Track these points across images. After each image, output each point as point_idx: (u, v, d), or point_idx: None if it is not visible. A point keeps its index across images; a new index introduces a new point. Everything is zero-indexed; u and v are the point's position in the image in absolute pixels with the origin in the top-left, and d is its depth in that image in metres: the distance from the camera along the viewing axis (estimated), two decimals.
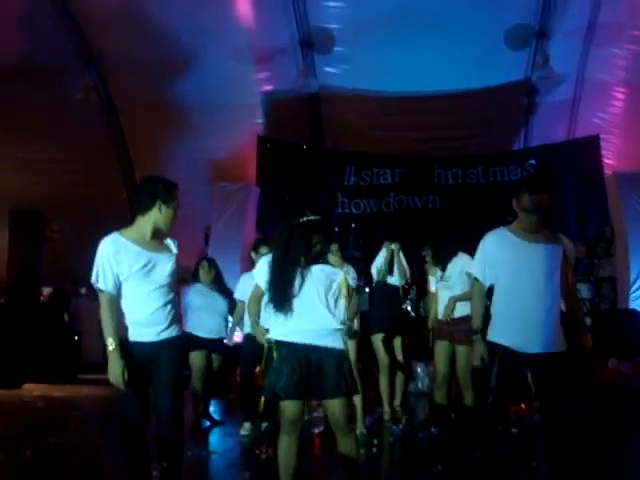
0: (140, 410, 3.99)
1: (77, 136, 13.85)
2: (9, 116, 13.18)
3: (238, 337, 7.76)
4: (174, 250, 4.19)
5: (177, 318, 4.15)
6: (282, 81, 13.33)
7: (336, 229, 12.43)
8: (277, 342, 3.98)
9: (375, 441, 6.20)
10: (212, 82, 12.74)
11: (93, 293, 13.69)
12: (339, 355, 3.95)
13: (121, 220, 15.37)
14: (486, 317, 4.17)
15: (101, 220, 14.10)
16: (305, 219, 3.97)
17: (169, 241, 4.25)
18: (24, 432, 7.02)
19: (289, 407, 3.91)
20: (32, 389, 10.90)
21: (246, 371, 6.98)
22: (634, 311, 11.69)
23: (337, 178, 13.55)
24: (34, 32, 12.29)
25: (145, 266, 4.02)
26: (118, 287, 4.03)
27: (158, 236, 4.16)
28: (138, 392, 3.97)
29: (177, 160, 13.70)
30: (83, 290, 14.00)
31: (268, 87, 13.53)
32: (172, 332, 4.07)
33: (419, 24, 12.21)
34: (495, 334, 4.00)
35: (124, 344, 3.94)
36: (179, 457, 4.06)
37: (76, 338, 13.30)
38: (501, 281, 4.00)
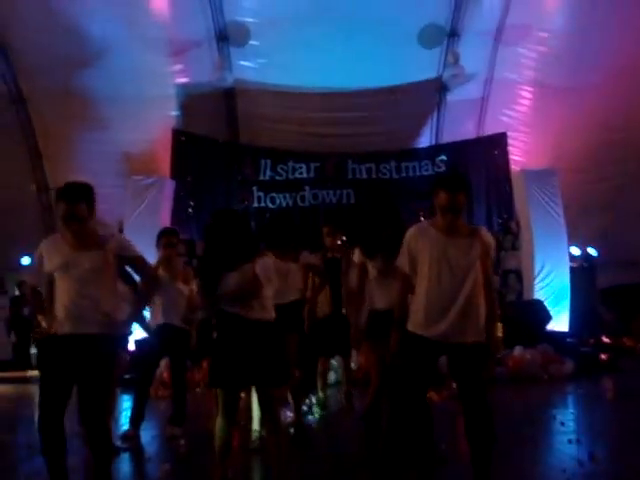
0: (56, 402, 4.00)
1: None
2: None
3: None
4: (107, 246, 4.18)
5: (106, 314, 4.13)
6: (197, 74, 13.26)
7: (252, 223, 12.44)
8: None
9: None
10: (126, 74, 12.52)
11: (1, 288, 13.36)
12: None
13: (30, 212, 15.05)
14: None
15: (11, 214, 13.77)
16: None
17: (105, 236, 4.26)
18: None
19: None
20: None
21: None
22: (538, 301, 12.15)
23: (253, 172, 13.58)
24: None
25: (64, 263, 4.09)
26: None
27: (86, 233, 4.14)
28: (57, 383, 4.01)
29: (89, 152, 13.43)
30: None
31: (183, 79, 13.40)
32: (93, 329, 4.06)
33: (334, 20, 12.35)
34: (415, 325, 4.12)
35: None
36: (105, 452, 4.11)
37: None
38: (422, 273, 4.13)
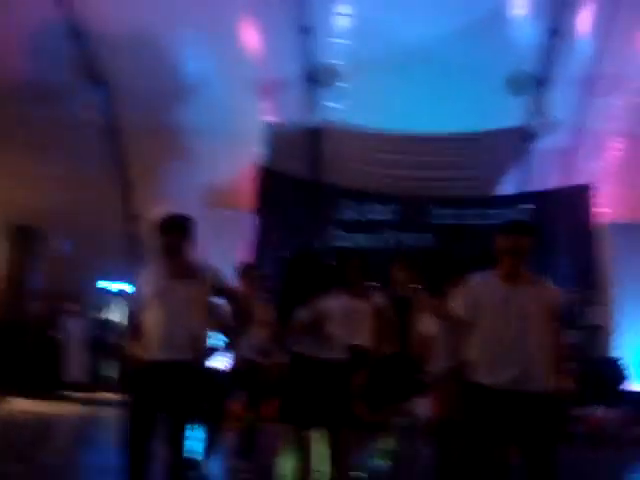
0: (144, 427, 4.08)
1: (80, 155, 13.92)
2: (10, 131, 13.28)
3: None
4: (203, 276, 4.28)
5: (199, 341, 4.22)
6: (285, 113, 13.52)
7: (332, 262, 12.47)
8: None
9: None
10: (216, 109, 12.87)
11: (82, 310, 13.75)
12: None
13: (118, 240, 15.46)
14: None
15: (99, 239, 14.22)
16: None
17: (202, 267, 4.37)
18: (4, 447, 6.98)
19: None
20: (13, 403, 10.83)
21: None
22: (616, 359, 11.77)
23: (334, 212, 13.67)
24: (42, 49, 12.42)
25: (159, 291, 4.20)
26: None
27: (182, 263, 4.26)
28: (146, 409, 4.09)
29: (176, 184, 13.78)
30: (76, 307, 13.96)
31: (271, 118, 13.69)
32: (187, 355, 4.14)
33: (422, 64, 12.42)
34: (476, 374, 4.02)
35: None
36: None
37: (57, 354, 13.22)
38: (484, 321, 4.06)
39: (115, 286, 14.55)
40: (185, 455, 4.30)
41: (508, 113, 13.40)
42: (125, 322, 14.02)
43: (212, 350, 4.50)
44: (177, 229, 4.22)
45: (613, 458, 8.54)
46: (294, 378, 4.22)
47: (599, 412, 10.05)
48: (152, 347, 4.17)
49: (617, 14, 11.82)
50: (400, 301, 6.41)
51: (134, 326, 4.43)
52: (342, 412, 4.17)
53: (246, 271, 6.49)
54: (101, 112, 13.54)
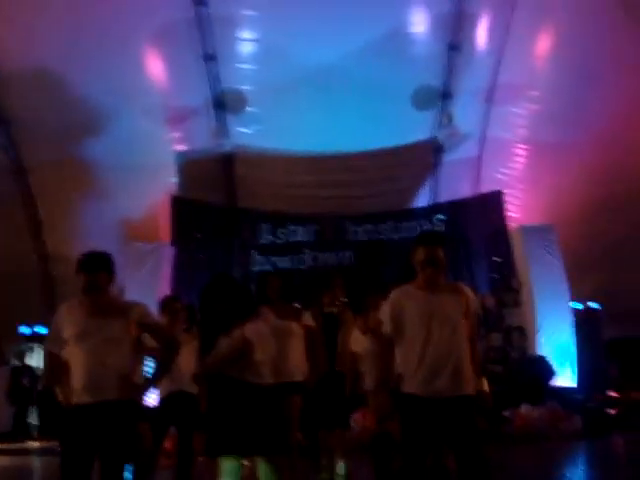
0: (80, 474, 3.95)
1: None
2: None
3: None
4: (129, 314, 4.18)
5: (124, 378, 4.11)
6: (196, 141, 13.47)
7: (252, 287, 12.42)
8: None
9: None
10: (125, 142, 12.72)
11: (1, 358, 13.26)
12: None
13: (30, 281, 14.99)
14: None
15: (10, 284, 13.74)
16: None
17: (127, 304, 4.31)
18: None
19: None
20: None
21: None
22: (542, 357, 12.05)
23: (252, 236, 13.65)
24: None
25: (82, 331, 4.09)
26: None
27: (105, 301, 4.17)
28: (79, 457, 3.98)
29: (88, 220, 13.51)
30: None
31: (182, 147, 13.60)
32: (112, 395, 4.03)
33: (329, 85, 12.60)
34: (409, 385, 4.09)
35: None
36: None
37: None
38: (410, 333, 4.14)
39: (35, 330, 14.10)
40: None
41: (416, 127, 13.73)
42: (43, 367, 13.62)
43: (142, 387, 4.39)
44: (99, 267, 4.13)
45: (543, 454, 8.75)
46: (223, 405, 4.16)
47: (526, 410, 10.27)
48: (78, 389, 4.04)
49: (512, 26, 12.29)
50: (328, 318, 6.41)
51: (54, 369, 4.31)
52: (275, 438, 4.12)
53: (168, 304, 6.40)
54: (6, 152, 13.15)
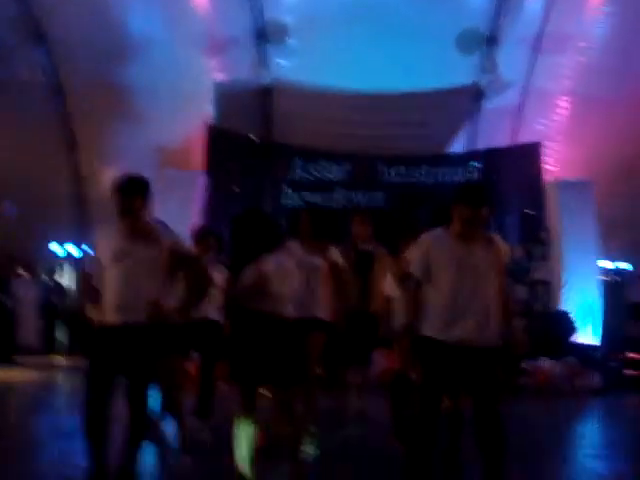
0: (102, 390, 4.09)
1: (23, 116, 13.57)
2: None
3: None
4: (161, 241, 4.23)
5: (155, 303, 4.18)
6: (235, 71, 13.36)
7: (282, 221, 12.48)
8: None
9: None
10: (164, 68, 12.64)
11: (33, 275, 13.56)
12: None
13: (65, 203, 15.22)
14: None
15: (45, 202, 13.95)
16: None
17: (160, 230, 4.34)
18: None
19: None
20: None
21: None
22: (564, 312, 12.04)
23: (285, 170, 13.63)
24: None
25: (116, 254, 4.16)
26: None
27: (140, 225, 4.22)
28: (104, 372, 4.10)
29: (124, 144, 13.55)
30: (22, 271, 13.73)
31: (220, 76, 13.50)
32: (142, 318, 4.12)
33: (373, 22, 12.36)
34: (430, 328, 4.13)
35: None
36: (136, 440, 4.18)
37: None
38: (439, 279, 4.15)
39: (66, 249, 14.36)
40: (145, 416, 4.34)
41: (458, 71, 13.47)
42: (75, 285, 13.90)
43: (172, 314, 4.49)
44: (136, 190, 4.18)
45: (559, 409, 8.83)
46: (244, 335, 4.24)
47: (546, 364, 10.32)
48: (109, 309, 4.15)
49: None
50: (361, 256, 6.33)
51: (90, 289, 4.39)
52: (293, 370, 4.21)
53: (202, 237, 6.44)
54: (45, 72, 13.16)
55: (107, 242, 4.22)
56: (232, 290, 4.30)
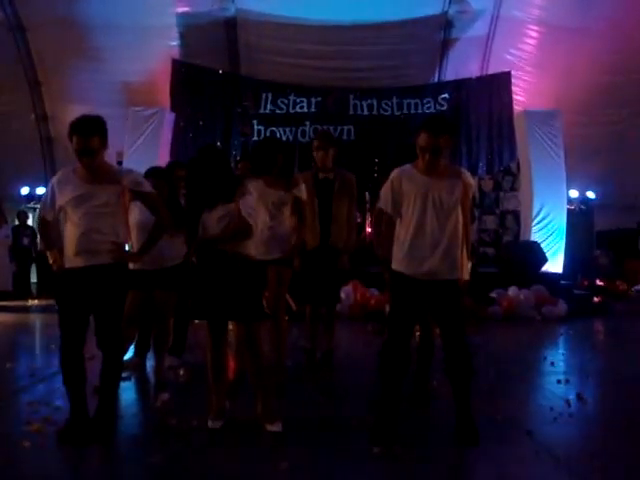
0: (76, 332, 4.14)
1: None
2: None
3: None
4: (121, 181, 4.21)
5: (117, 244, 4.23)
6: (199, 3, 13.03)
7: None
8: None
9: None
10: (125, 2, 12.33)
11: (2, 218, 13.39)
12: None
13: (30, 143, 15.00)
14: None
15: (9, 143, 13.71)
16: None
17: (120, 171, 4.36)
18: None
19: None
20: None
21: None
22: (535, 243, 12.21)
23: (253, 105, 13.47)
24: None
25: (76, 197, 4.13)
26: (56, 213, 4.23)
27: (100, 168, 4.19)
28: (74, 317, 4.14)
29: (88, 82, 13.29)
30: None
31: (184, 9, 13.18)
32: (106, 259, 4.15)
33: None
34: (399, 264, 4.22)
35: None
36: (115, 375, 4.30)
37: None
38: (406, 214, 4.21)
39: (35, 191, 14.17)
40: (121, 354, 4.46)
41: (427, 1, 13.28)
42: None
43: (134, 254, 4.51)
44: (92, 130, 4.09)
45: (526, 336, 9.05)
46: (203, 271, 4.30)
47: (512, 292, 10.52)
48: (70, 253, 4.16)
49: None
50: (323, 183, 6.15)
51: (49, 234, 4.39)
52: (250, 306, 4.29)
53: (169, 170, 6.32)
54: (4, 10, 12.74)
55: (65, 187, 4.16)
56: (204, 234, 4.29)
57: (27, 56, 13.70)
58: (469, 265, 4.52)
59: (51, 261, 4.32)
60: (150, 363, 5.95)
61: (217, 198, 4.27)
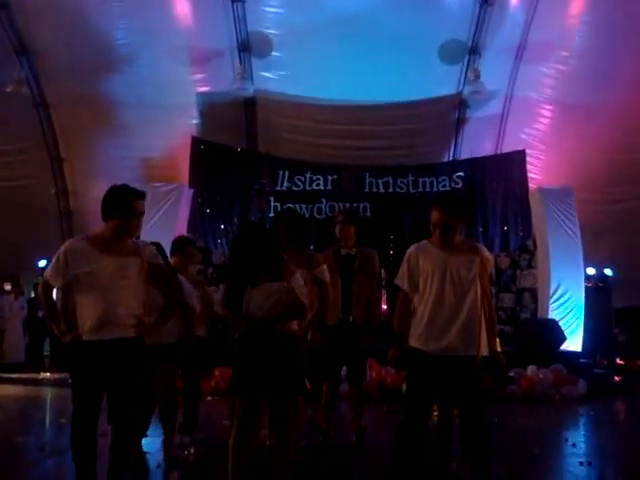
0: (92, 408, 4.05)
1: (7, 130, 13.55)
2: None
3: None
4: (141, 254, 4.20)
5: (137, 317, 4.17)
6: (218, 83, 13.36)
7: None
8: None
9: None
10: (147, 81, 12.69)
11: (18, 290, 13.49)
12: None
13: (50, 217, 15.17)
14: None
15: (29, 216, 13.91)
16: None
17: (139, 244, 4.31)
18: None
19: None
20: None
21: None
22: (553, 321, 12.07)
23: (270, 182, 13.63)
24: None
25: (97, 268, 4.07)
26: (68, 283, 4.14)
27: (121, 241, 4.17)
28: (91, 392, 4.05)
29: (109, 158, 13.57)
30: (8, 287, 13.67)
31: (204, 88, 13.52)
32: (126, 332, 4.09)
33: (355, 33, 12.39)
34: (416, 340, 4.17)
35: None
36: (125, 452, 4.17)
37: None
38: (424, 290, 4.20)
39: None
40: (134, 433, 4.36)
41: (441, 82, 13.56)
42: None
43: (151, 327, 4.48)
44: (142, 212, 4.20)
45: (546, 416, 8.85)
46: (251, 347, 4.23)
47: (531, 371, 10.34)
48: (90, 326, 4.07)
49: None
50: (345, 259, 6.13)
51: (52, 299, 4.28)
52: (290, 382, 4.21)
53: (181, 246, 6.37)
54: (29, 86, 13.14)
55: (82, 256, 4.08)
56: (239, 309, 4.24)
57: (50, 132, 14.04)
58: (497, 341, 4.42)
59: (58, 333, 4.17)
60: (159, 440, 5.84)
61: (261, 275, 4.25)
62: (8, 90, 12.33)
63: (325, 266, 5.59)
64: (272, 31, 12.86)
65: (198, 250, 6.70)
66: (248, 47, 13.04)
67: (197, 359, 6.31)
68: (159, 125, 13.17)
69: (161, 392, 5.41)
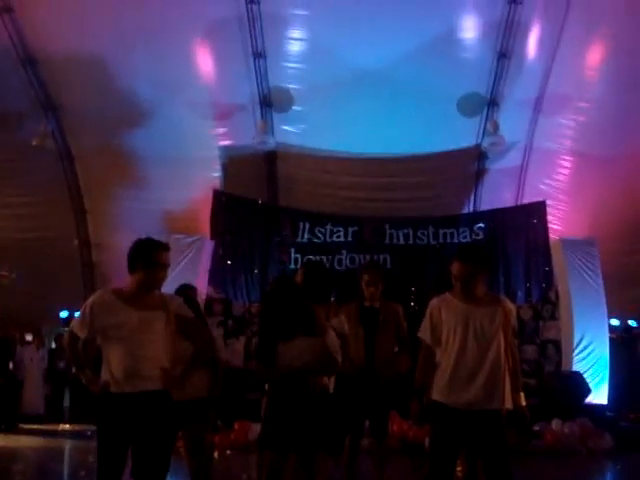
0: (117, 461, 4.00)
1: (31, 182, 13.81)
2: None
3: None
4: (168, 307, 4.20)
5: (164, 370, 4.12)
6: (240, 137, 13.56)
7: None
8: None
9: None
10: (170, 135, 12.90)
11: (39, 341, 13.53)
12: None
13: (72, 268, 15.28)
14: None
15: (52, 267, 14.04)
16: None
17: (166, 297, 4.31)
18: None
19: None
20: None
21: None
22: (578, 374, 11.90)
23: (291, 234, 13.70)
24: None
25: (123, 321, 4.07)
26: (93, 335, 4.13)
27: (147, 293, 4.18)
28: (116, 445, 4.00)
29: (132, 210, 13.72)
30: (29, 337, 13.71)
31: (226, 142, 13.73)
32: (154, 385, 4.06)
33: (375, 87, 12.57)
34: (439, 393, 4.13)
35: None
36: None
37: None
38: (447, 343, 4.17)
39: (73, 315, 14.35)
40: None
41: (460, 134, 13.65)
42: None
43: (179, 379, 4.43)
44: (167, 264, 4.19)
45: (572, 471, 8.66)
46: (279, 402, 4.21)
47: (556, 425, 10.16)
48: (118, 379, 4.03)
49: (563, 35, 12.15)
50: (369, 312, 6.12)
51: (79, 350, 4.26)
52: (324, 436, 4.18)
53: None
54: (54, 139, 13.41)
55: (110, 309, 4.08)
56: (271, 363, 4.24)
57: (74, 184, 14.26)
58: (521, 395, 4.33)
59: (85, 381, 4.16)
60: None
61: (295, 330, 4.25)
62: (34, 144, 12.58)
63: (343, 317, 5.53)
64: (293, 86, 13.08)
65: (218, 302, 6.67)
66: (269, 102, 13.26)
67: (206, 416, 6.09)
68: (181, 178, 13.35)
69: (191, 448, 5.34)
